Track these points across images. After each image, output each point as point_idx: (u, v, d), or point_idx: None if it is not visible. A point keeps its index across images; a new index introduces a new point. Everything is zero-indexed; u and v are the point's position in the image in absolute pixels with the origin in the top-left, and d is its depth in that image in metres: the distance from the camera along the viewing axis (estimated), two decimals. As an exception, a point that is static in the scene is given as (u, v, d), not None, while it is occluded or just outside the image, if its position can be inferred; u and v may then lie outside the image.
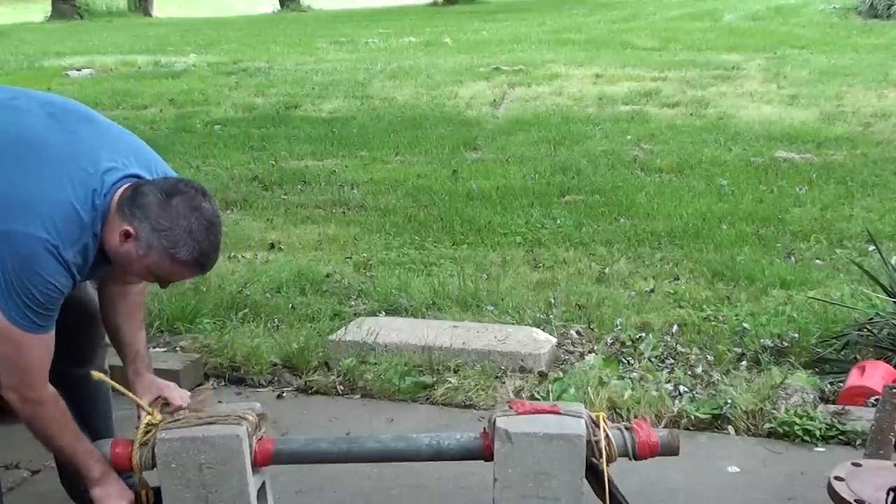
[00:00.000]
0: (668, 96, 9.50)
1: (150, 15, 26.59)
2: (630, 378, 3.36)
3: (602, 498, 2.24)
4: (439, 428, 3.08)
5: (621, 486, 2.28)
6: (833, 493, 2.09)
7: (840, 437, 3.01)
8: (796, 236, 5.08)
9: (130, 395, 2.33)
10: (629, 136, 7.75)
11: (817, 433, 3.01)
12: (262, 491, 2.31)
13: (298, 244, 5.18)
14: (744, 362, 3.51)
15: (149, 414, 2.27)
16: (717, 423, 3.15)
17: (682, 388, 3.32)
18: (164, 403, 2.36)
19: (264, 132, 8.41)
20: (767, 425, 3.08)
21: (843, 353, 3.50)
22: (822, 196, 5.82)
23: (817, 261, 4.69)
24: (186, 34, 17.94)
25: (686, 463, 2.77)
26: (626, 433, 2.26)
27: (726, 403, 3.17)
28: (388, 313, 4.07)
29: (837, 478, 2.12)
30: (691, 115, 8.68)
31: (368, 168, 6.99)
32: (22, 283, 1.97)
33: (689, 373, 3.45)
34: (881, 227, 5.11)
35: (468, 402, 3.33)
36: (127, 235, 2.03)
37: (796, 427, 3.03)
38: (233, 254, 4.95)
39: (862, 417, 3.01)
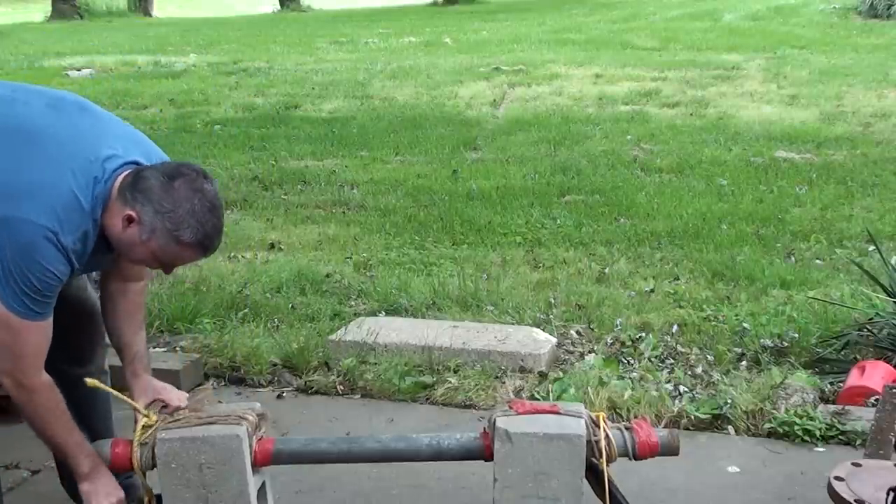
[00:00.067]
0: (668, 96, 9.50)
1: (150, 15, 26.58)
2: (630, 378, 3.36)
3: (602, 498, 2.23)
4: (439, 428, 3.08)
5: (621, 486, 2.28)
6: (833, 493, 2.09)
7: (840, 437, 3.01)
8: (796, 236, 5.08)
9: (127, 399, 2.32)
10: (629, 136, 7.75)
11: (817, 433, 3.01)
12: (262, 491, 2.31)
13: (298, 244, 5.18)
14: (744, 362, 3.51)
15: (145, 417, 2.26)
16: (717, 423, 3.15)
17: (682, 388, 3.32)
18: (162, 406, 2.36)
19: (264, 132, 8.42)
20: (767, 425, 3.08)
21: (843, 353, 3.50)
22: (822, 196, 5.82)
23: (817, 261, 4.69)
24: (186, 34, 17.94)
25: (686, 463, 2.77)
26: (626, 433, 2.26)
27: (726, 403, 3.17)
28: (388, 313, 4.07)
29: (837, 478, 2.12)
30: (691, 115, 8.68)
31: (368, 168, 6.99)
32: (20, 271, 1.97)
33: (689, 373, 3.45)
34: (881, 227, 5.11)
35: (468, 402, 3.33)
36: (130, 220, 2.04)
37: (796, 427, 3.03)
38: (233, 254, 4.95)
39: (862, 417, 3.01)
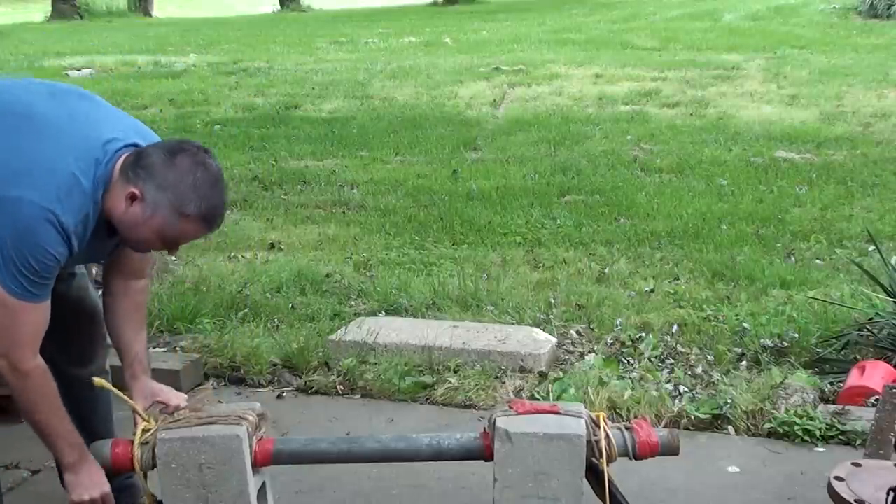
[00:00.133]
0: (668, 96, 9.50)
1: (150, 15, 26.58)
2: (630, 378, 3.36)
3: (602, 498, 2.23)
4: (439, 428, 3.08)
5: (621, 486, 2.28)
6: (833, 493, 2.09)
7: (840, 437, 3.01)
8: (796, 236, 5.08)
9: (129, 401, 2.31)
10: (629, 136, 7.75)
11: (817, 433, 3.01)
12: (262, 491, 2.31)
13: (298, 244, 5.18)
14: (744, 362, 3.51)
15: (144, 420, 2.26)
16: (717, 423, 3.15)
17: (682, 388, 3.32)
18: (161, 407, 2.35)
19: (264, 132, 8.41)
20: (767, 425, 3.08)
21: (843, 353, 3.50)
22: (822, 196, 5.82)
23: (817, 261, 4.69)
24: (186, 34, 17.93)
25: (686, 463, 2.77)
26: (626, 433, 2.26)
27: (726, 403, 3.17)
28: (388, 313, 4.07)
29: (837, 478, 2.12)
30: (691, 115, 8.68)
31: (368, 168, 6.99)
32: (20, 252, 1.96)
33: (689, 373, 3.45)
34: (881, 227, 5.11)
35: (468, 402, 3.33)
36: (133, 198, 2.03)
37: (796, 427, 3.03)
38: (233, 254, 4.95)
39: (862, 417, 3.01)
